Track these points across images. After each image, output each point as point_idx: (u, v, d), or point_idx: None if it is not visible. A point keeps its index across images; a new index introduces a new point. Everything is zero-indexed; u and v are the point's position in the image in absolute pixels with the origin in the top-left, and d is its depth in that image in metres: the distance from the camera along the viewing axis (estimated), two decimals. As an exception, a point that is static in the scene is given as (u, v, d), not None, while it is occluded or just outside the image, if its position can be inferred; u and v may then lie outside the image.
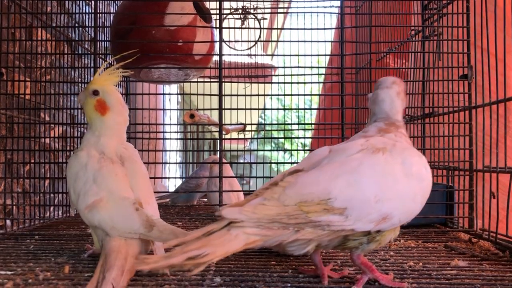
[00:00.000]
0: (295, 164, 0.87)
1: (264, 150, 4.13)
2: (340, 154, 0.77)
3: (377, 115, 0.88)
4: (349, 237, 0.74)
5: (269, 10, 2.20)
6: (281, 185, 0.73)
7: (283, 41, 1.46)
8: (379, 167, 0.75)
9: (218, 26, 1.39)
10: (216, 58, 1.57)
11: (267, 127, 3.57)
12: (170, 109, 3.92)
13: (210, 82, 2.06)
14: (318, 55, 1.61)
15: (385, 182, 0.74)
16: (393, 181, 0.74)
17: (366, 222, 0.71)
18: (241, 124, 1.87)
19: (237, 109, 1.53)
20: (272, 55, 3.82)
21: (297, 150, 1.76)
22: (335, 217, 0.70)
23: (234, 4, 2.11)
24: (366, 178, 0.73)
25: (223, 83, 1.37)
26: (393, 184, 0.74)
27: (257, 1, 2.03)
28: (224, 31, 1.42)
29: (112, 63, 1.07)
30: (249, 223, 0.67)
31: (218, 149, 1.38)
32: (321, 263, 0.83)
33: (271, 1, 2.23)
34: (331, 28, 1.50)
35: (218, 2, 1.38)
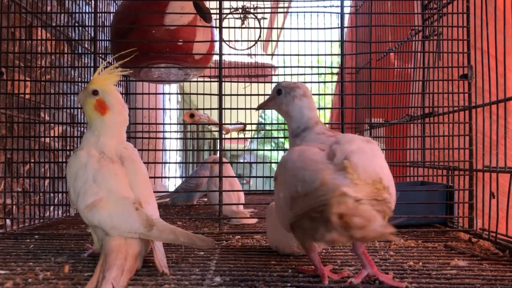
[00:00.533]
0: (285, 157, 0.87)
1: (264, 150, 4.13)
2: (349, 143, 0.80)
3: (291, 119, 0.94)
4: (387, 215, 0.77)
5: (269, 10, 2.20)
6: (348, 166, 0.74)
7: (283, 41, 1.46)
8: (381, 154, 0.83)
9: (218, 25, 1.39)
10: (216, 57, 1.57)
11: (267, 127, 3.57)
12: (170, 109, 3.92)
13: (210, 81, 2.06)
14: (318, 55, 1.61)
15: (386, 165, 0.82)
16: (387, 166, 0.82)
17: (394, 200, 0.77)
18: (241, 123, 1.87)
19: (237, 108, 1.53)
20: (272, 54, 3.82)
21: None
22: (387, 195, 0.74)
23: (234, 4, 2.11)
24: (383, 163, 0.80)
25: (223, 83, 1.37)
26: (387, 167, 0.82)
27: (257, 1, 2.03)
28: (224, 31, 1.42)
29: (112, 63, 1.07)
30: (366, 201, 0.69)
31: (218, 148, 1.38)
32: (320, 263, 0.83)
33: (271, 1, 2.24)
34: (331, 28, 1.50)
35: (218, 2, 1.38)
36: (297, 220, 0.77)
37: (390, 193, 0.75)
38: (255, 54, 2.40)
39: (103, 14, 1.92)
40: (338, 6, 2.02)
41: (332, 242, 0.69)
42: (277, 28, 2.65)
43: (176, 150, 1.88)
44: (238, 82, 2.24)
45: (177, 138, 3.34)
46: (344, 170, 0.73)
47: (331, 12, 1.87)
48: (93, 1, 1.46)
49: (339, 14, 1.42)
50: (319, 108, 1.50)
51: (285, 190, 0.80)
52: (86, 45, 1.89)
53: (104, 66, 1.00)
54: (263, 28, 1.98)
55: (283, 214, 0.82)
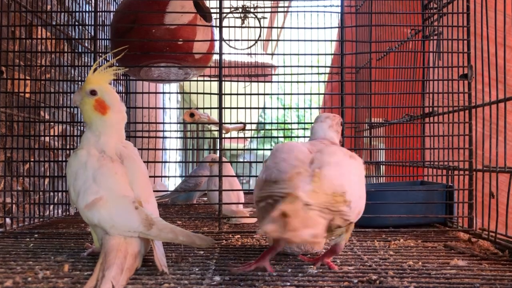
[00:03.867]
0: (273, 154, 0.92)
1: (263, 150, 4.12)
2: (330, 155, 0.87)
3: (312, 138, 1.03)
4: (338, 229, 0.85)
5: (269, 9, 2.20)
6: (316, 175, 0.80)
7: (283, 40, 1.46)
8: (357, 170, 0.89)
9: (218, 25, 1.39)
10: (216, 57, 1.57)
11: (267, 126, 3.58)
12: (170, 108, 3.92)
13: (210, 81, 2.06)
14: (318, 54, 1.61)
15: (361, 183, 0.89)
16: (362, 183, 0.90)
17: (355, 215, 0.85)
18: (241, 123, 1.87)
19: (237, 108, 1.53)
20: (272, 54, 3.82)
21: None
22: (345, 208, 0.80)
23: (234, 3, 2.11)
24: (355, 178, 0.87)
25: (223, 82, 1.37)
26: (362, 186, 0.89)
27: (257, 0, 2.03)
28: (224, 30, 1.42)
29: (109, 60, 1.07)
30: (315, 207, 0.76)
31: (218, 148, 1.38)
32: (269, 252, 0.88)
33: (271, 0, 2.24)
34: (331, 28, 1.50)
35: (218, 1, 1.38)
36: (259, 201, 0.84)
37: (351, 207, 0.81)
38: (255, 54, 2.40)
39: (103, 13, 1.92)
40: (338, 6, 2.03)
41: (266, 233, 0.72)
42: (277, 27, 2.65)
43: (176, 149, 1.88)
44: (238, 81, 2.24)
45: (177, 138, 3.34)
46: (312, 176, 0.79)
47: (331, 12, 1.87)
48: (93, 0, 1.46)
49: (339, 14, 1.41)
50: (319, 108, 1.49)
51: (265, 171, 0.87)
52: (86, 44, 1.89)
53: (98, 64, 1.00)
54: (263, 27, 1.98)
55: (255, 192, 0.89)
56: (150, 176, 1.00)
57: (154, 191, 0.99)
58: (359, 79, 2.26)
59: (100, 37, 1.79)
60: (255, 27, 1.92)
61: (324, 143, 0.96)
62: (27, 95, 1.44)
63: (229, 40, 2.02)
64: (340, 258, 0.99)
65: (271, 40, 4.33)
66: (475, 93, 1.28)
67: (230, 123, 1.72)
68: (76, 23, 1.84)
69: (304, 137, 2.27)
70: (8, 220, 1.33)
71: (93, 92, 0.95)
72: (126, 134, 1.02)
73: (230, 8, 2.08)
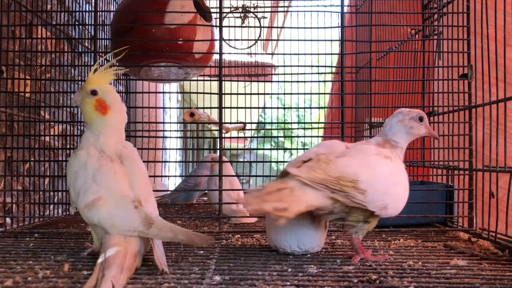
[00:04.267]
0: (313, 147, 1.05)
1: (264, 149, 4.12)
2: (360, 151, 0.98)
3: (380, 133, 1.08)
4: (354, 214, 0.96)
5: (269, 9, 2.20)
6: (324, 160, 0.94)
7: (283, 40, 1.46)
8: (388, 169, 0.97)
9: (218, 24, 1.39)
10: (216, 56, 1.57)
11: (267, 126, 3.58)
12: (170, 108, 3.92)
13: (210, 80, 2.06)
14: (318, 54, 1.61)
15: (390, 181, 0.97)
16: (394, 182, 0.97)
17: (374, 206, 0.94)
18: (241, 122, 1.87)
19: (237, 107, 1.53)
20: (272, 54, 3.82)
21: (296, 149, 1.76)
22: (358, 194, 0.92)
23: (234, 3, 2.11)
24: (381, 175, 0.95)
25: (223, 82, 1.37)
26: (394, 184, 0.97)
27: (257, 0, 2.03)
28: (224, 30, 1.43)
29: (109, 60, 1.07)
30: (305, 180, 0.90)
31: (218, 147, 1.38)
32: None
33: (271, 0, 2.23)
34: (331, 28, 1.50)
35: (218, 1, 1.38)
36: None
37: (366, 196, 0.92)
38: (255, 53, 2.40)
39: (103, 13, 1.92)
40: (338, 6, 2.03)
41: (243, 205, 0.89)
42: (277, 27, 2.65)
43: (176, 149, 1.88)
44: (238, 81, 2.24)
45: (177, 137, 3.34)
46: (320, 161, 0.94)
47: (331, 12, 1.87)
48: (93, 0, 1.46)
49: (339, 13, 1.41)
50: (319, 108, 1.49)
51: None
52: (87, 44, 1.89)
53: (99, 64, 0.99)
54: (263, 27, 1.98)
55: None
56: (150, 176, 1.00)
57: (154, 190, 0.99)
58: (359, 79, 2.26)
59: (100, 37, 1.79)
60: (255, 26, 1.92)
61: (375, 141, 1.03)
62: (27, 95, 1.44)
63: (229, 39, 2.02)
64: (340, 257, 0.99)
65: (271, 40, 4.33)
66: (475, 92, 1.28)
67: (230, 123, 1.72)
68: (76, 23, 1.84)
69: (304, 137, 2.28)
70: (8, 220, 1.33)
71: (93, 92, 0.95)
72: (126, 134, 1.03)
73: (230, 7, 2.08)
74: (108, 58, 1.48)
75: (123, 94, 1.95)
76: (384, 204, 0.94)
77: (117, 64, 1.38)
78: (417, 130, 1.05)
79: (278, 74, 1.62)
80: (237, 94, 1.53)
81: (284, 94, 3.66)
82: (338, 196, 0.91)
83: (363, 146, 1.01)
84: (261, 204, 0.86)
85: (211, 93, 1.46)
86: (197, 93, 1.51)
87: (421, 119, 1.05)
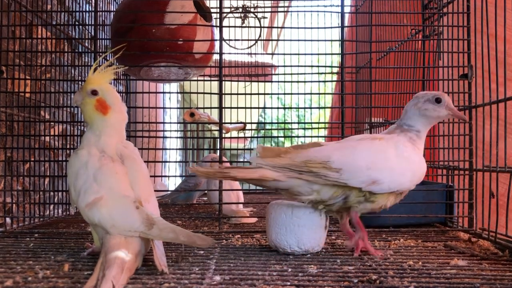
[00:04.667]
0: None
1: (264, 149, 4.11)
2: (346, 140, 1.06)
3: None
4: (350, 196, 0.99)
5: (269, 9, 2.20)
6: (296, 150, 1.01)
7: (283, 40, 1.46)
8: (374, 147, 1.01)
9: (218, 24, 1.39)
10: (216, 56, 1.57)
11: (267, 126, 3.58)
12: (170, 108, 3.92)
13: (210, 80, 2.06)
14: (318, 54, 1.61)
15: (376, 157, 0.99)
16: (384, 158, 0.99)
17: (358, 182, 0.97)
18: (241, 123, 1.87)
19: (237, 107, 1.53)
20: (272, 54, 3.82)
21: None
22: (331, 173, 0.97)
23: (234, 3, 2.11)
24: (360, 153, 0.99)
25: (223, 82, 1.37)
26: (384, 160, 0.99)
27: (257, 0, 2.03)
28: (225, 30, 1.42)
29: (108, 60, 1.07)
30: (268, 166, 0.99)
31: (218, 147, 1.38)
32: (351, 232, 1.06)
33: (271, 0, 2.24)
34: (331, 28, 1.50)
35: (218, 1, 1.38)
36: None
37: (341, 174, 0.97)
38: (255, 53, 2.40)
39: (103, 13, 1.92)
40: (338, 6, 2.03)
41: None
42: (277, 27, 2.65)
43: (176, 149, 1.88)
44: (238, 81, 2.24)
45: (177, 137, 3.34)
46: (292, 151, 1.01)
47: (331, 12, 1.87)
48: (93, 0, 1.46)
49: (339, 14, 1.41)
50: (319, 108, 1.49)
51: None
52: (87, 44, 1.89)
53: (98, 64, 0.99)
54: (263, 27, 1.98)
55: None
56: (150, 176, 1.00)
57: (154, 190, 0.99)
58: (359, 79, 2.26)
59: (100, 37, 1.79)
60: (255, 27, 1.92)
61: (387, 130, 1.08)
62: (27, 95, 1.44)
63: (229, 40, 2.02)
64: (340, 257, 0.99)
65: (271, 40, 4.33)
66: (475, 92, 1.28)
67: (230, 123, 1.72)
68: (76, 23, 1.84)
69: (304, 137, 2.28)
70: (8, 220, 1.33)
71: (94, 92, 0.95)
72: (126, 134, 1.02)
73: (230, 8, 2.08)
74: (107, 58, 1.48)
75: (123, 94, 1.95)
76: (372, 179, 0.97)
77: (117, 64, 1.38)
78: (434, 112, 1.04)
79: (278, 74, 1.63)
80: (237, 94, 1.53)
81: (284, 94, 3.67)
82: (307, 177, 0.98)
83: (356, 135, 1.07)
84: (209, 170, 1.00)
85: (211, 93, 1.46)
86: (197, 93, 1.51)
87: (438, 101, 1.03)
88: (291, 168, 0.99)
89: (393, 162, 0.99)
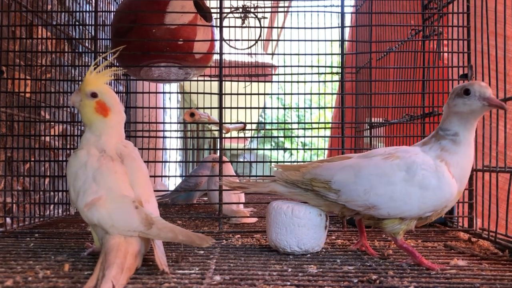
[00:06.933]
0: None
1: (264, 149, 4.12)
2: (366, 155, 1.01)
3: None
4: (360, 215, 1.00)
5: (269, 9, 2.20)
6: (311, 166, 1.03)
7: (284, 40, 1.46)
8: (379, 169, 0.95)
9: (218, 25, 1.39)
10: (216, 57, 1.57)
11: (267, 126, 3.58)
12: (170, 108, 3.92)
13: (211, 80, 2.06)
14: (318, 54, 1.61)
15: (378, 181, 0.94)
16: (386, 182, 0.93)
17: (355, 205, 0.96)
18: (241, 123, 1.87)
19: (237, 108, 1.53)
20: (273, 54, 3.82)
21: (297, 149, 1.77)
22: (331, 193, 0.98)
23: (234, 3, 2.11)
24: (362, 176, 0.95)
25: (223, 82, 1.37)
26: (385, 184, 0.93)
27: (257, 0, 2.03)
28: (225, 30, 1.43)
29: (107, 60, 1.07)
30: (280, 181, 1.05)
31: (218, 147, 1.38)
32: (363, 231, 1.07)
33: (271, 0, 2.23)
34: (331, 28, 1.50)
35: (218, 1, 1.38)
36: None
37: (339, 196, 0.97)
38: (255, 54, 2.40)
39: (103, 13, 1.92)
40: (338, 6, 2.02)
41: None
42: (278, 27, 2.65)
43: (176, 149, 1.88)
44: (238, 81, 2.24)
45: (177, 137, 3.34)
46: (307, 166, 1.04)
47: (331, 12, 1.87)
48: (93, 0, 1.46)
49: (340, 14, 1.42)
50: (319, 108, 1.49)
51: None
52: (87, 44, 1.89)
53: (96, 64, 0.99)
54: (263, 27, 1.98)
55: None
56: (150, 176, 1.00)
57: (154, 190, 0.99)
58: (359, 79, 2.26)
59: (101, 37, 1.79)
60: (255, 27, 1.92)
61: (427, 137, 0.99)
62: (28, 95, 1.44)
63: (229, 40, 2.02)
64: (340, 257, 0.99)
65: (271, 40, 4.33)
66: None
67: (230, 123, 1.72)
68: (77, 23, 1.84)
69: (304, 137, 2.28)
70: (8, 220, 1.33)
71: (93, 95, 0.95)
72: (126, 134, 1.03)
73: (230, 8, 2.08)
74: (107, 58, 1.48)
75: (123, 94, 1.95)
76: (368, 204, 0.94)
77: (116, 64, 1.38)
78: (464, 107, 0.88)
79: (278, 74, 1.63)
80: (237, 94, 1.53)
81: (284, 94, 3.66)
82: (310, 195, 1.01)
83: (381, 149, 1.02)
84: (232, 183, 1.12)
85: (211, 93, 1.46)
86: (197, 93, 1.51)
87: (467, 92, 0.88)
88: (297, 185, 1.01)
89: (396, 187, 0.91)
